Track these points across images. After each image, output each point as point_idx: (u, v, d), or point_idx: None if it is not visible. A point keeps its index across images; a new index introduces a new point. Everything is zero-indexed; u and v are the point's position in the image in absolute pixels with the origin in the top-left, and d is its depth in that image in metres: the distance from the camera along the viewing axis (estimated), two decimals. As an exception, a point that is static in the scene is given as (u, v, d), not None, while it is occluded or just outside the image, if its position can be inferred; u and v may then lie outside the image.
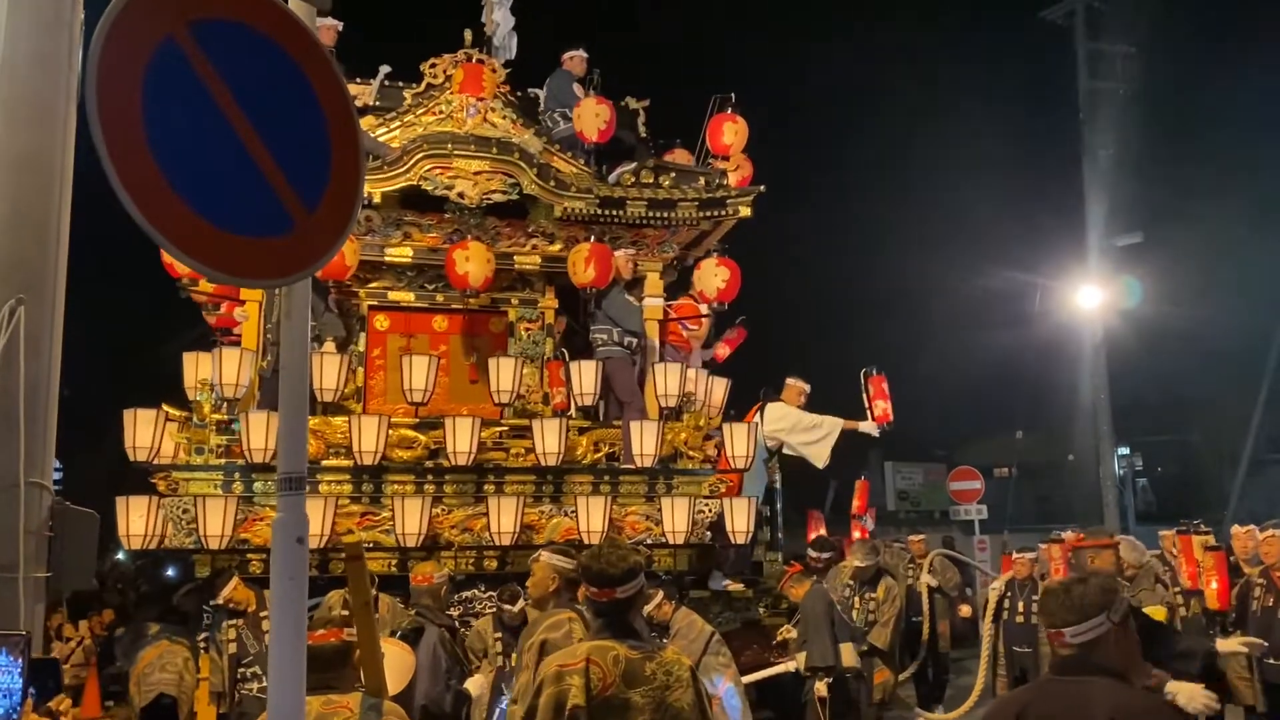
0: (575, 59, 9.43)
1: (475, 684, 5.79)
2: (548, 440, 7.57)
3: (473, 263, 7.91)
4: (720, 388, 8.69)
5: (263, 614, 6.63)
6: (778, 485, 9.74)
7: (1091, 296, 19.87)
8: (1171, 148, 22.83)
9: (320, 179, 2.29)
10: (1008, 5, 25.32)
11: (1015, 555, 9.34)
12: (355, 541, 3.21)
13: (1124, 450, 23.89)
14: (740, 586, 8.08)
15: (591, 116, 8.55)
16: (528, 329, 8.57)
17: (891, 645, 8.05)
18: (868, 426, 9.35)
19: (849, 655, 7.48)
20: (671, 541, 7.51)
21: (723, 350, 9.99)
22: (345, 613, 3.22)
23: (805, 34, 27.20)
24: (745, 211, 8.57)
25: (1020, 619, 8.84)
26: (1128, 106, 20.68)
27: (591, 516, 7.41)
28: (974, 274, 23.12)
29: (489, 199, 8.00)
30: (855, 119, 26.39)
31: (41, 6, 2.88)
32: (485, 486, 7.62)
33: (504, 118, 8.36)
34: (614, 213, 8.36)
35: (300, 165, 2.25)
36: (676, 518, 7.50)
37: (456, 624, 6.58)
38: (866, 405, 9.42)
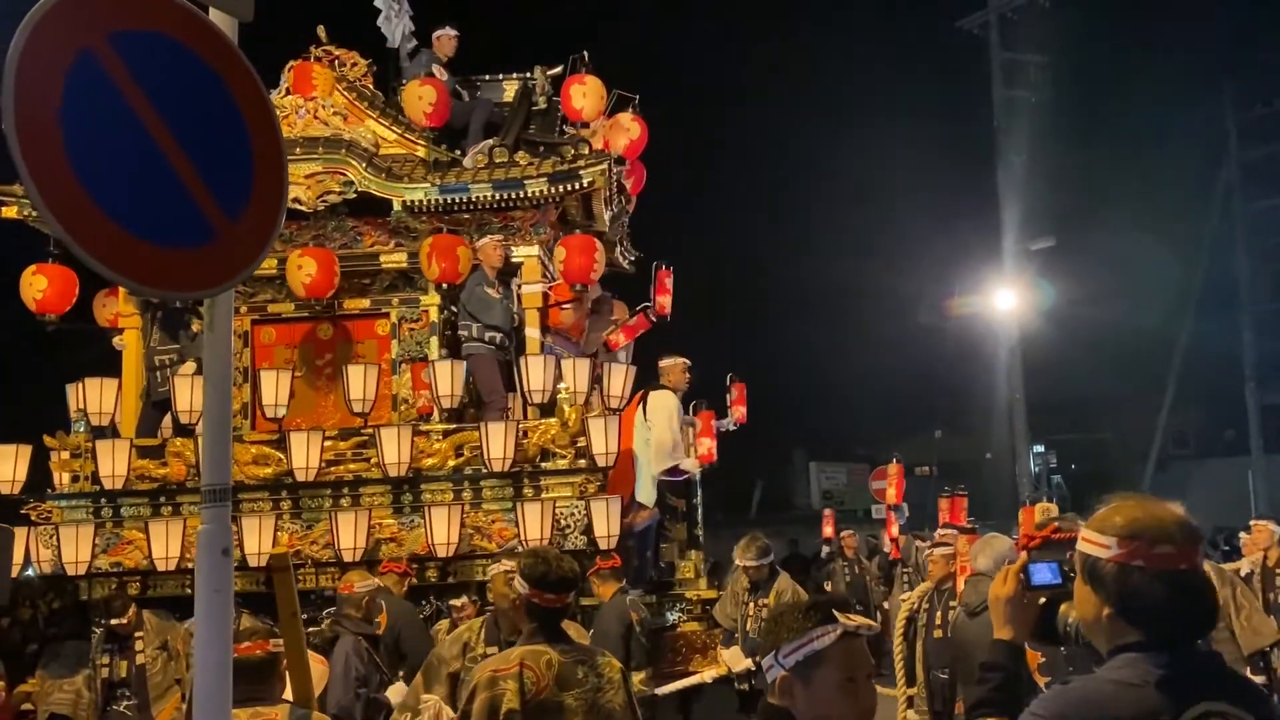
0: (443, 39, 8.90)
1: (396, 692, 5.75)
2: (387, 450, 7.32)
3: (289, 273, 7.74)
4: (619, 376, 8.14)
5: (137, 635, 6.82)
6: (696, 478, 9.27)
7: (1007, 299, 20.40)
8: (1082, 155, 23.57)
9: (243, 189, 2.29)
10: (925, 14, 25.91)
11: (929, 552, 7.87)
12: (282, 552, 3.19)
13: (1039, 448, 24.56)
14: (639, 593, 7.53)
15: (414, 100, 8.11)
16: (411, 329, 8.23)
17: None
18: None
19: (742, 660, 7.06)
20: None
21: (617, 338, 9.35)
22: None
23: (720, 38, 27.48)
24: (599, 181, 7.90)
25: (938, 633, 6.78)
26: (1040, 115, 21.28)
27: (437, 527, 7.12)
28: (893, 277, 23.60)
29: (326, 201, 7.76)
30: (773, 122, 26.75)
31: (-50, 11, 2.82)
32: (341, 500, 7.46)
33: (337, 114, 8.11)
34: (458, 200, 7.93)
35: (222, 175, 2.24)
36: (530, 524, 7.06)
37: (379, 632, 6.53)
38: (728, 406, 9.62)
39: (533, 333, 8.12)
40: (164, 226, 2.12)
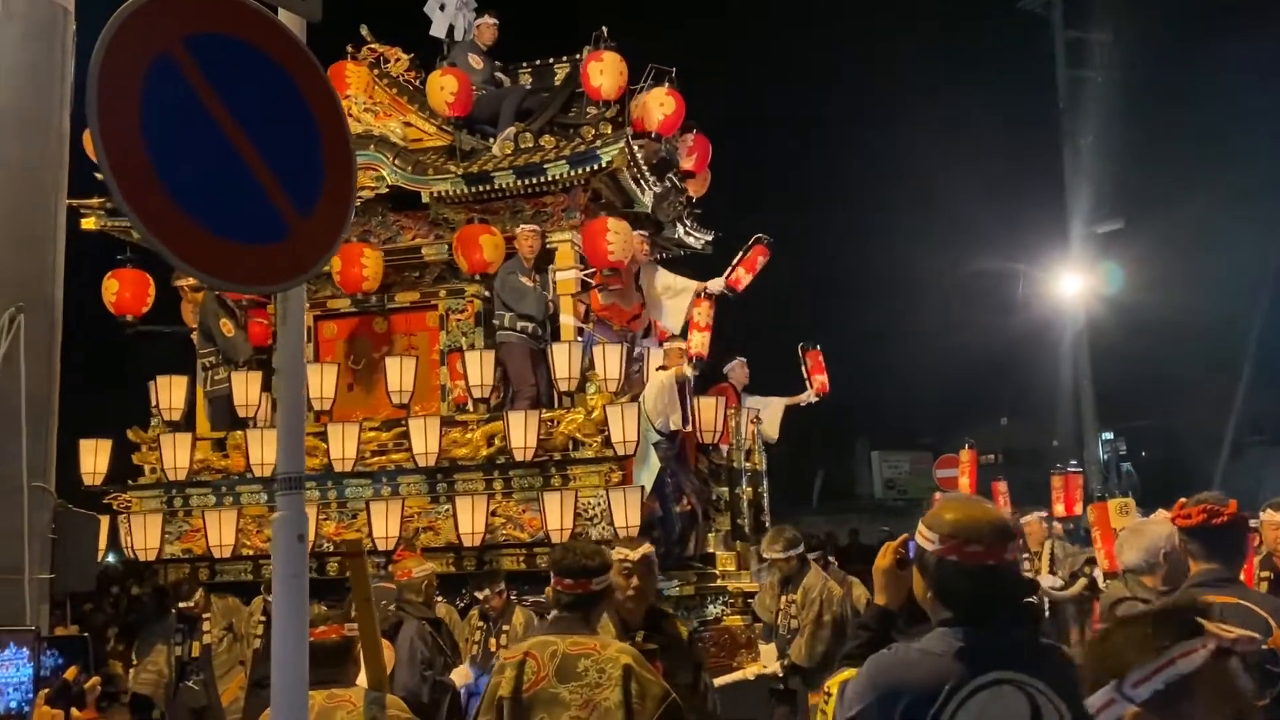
0: (482, 27, 8.89)
1: (460, 675, 5.84)
2: (416, 440, 7.46)
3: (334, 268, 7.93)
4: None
5: (205, 616, 7.26)
6: (762, 469, 9.26)
7: (1073, 283, 20.02)
8: (1151, 134, 22.97)
9: (314, 186, 2.35)
10: (987, -5, 25.43)
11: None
12: (355, 539, 3.27)
13: (1108, 435, 24.06)
14: (671, 583, 7.44)
15: (436, 90, 8.11)
16: (458, 320, 8.33)
17: (821, 659, 6.51)
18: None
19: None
20: (555, 540, 6.97)
21: (741, 276, 8.96)
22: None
23: (782, 21, 27.28)
24: (619, 161, 7.69)
25: None
26: (1107, 94, 20.81)
27: (462, 517, 7.19)
28: (956, 262, 23.26)
29: (360, 196, 7.82)
30: (835, 106, 26.50)
31: (33, 19, 2.93)
32: (382, 490, 7.65)
33: (368, 110, 8.24)
34: (484, 189, 7.94)
35: (294, 173, 2.30)
36: (551, 514, 7.09)
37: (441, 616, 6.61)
38: (805, 378, 9.49)
39: (568, 320, 8.06)
40: (240, 224, 2.19)
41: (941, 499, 2.41)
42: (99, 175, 7.01)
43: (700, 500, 8.18)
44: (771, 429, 9.37)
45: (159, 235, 2.06)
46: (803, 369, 9.63)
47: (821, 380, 9.61)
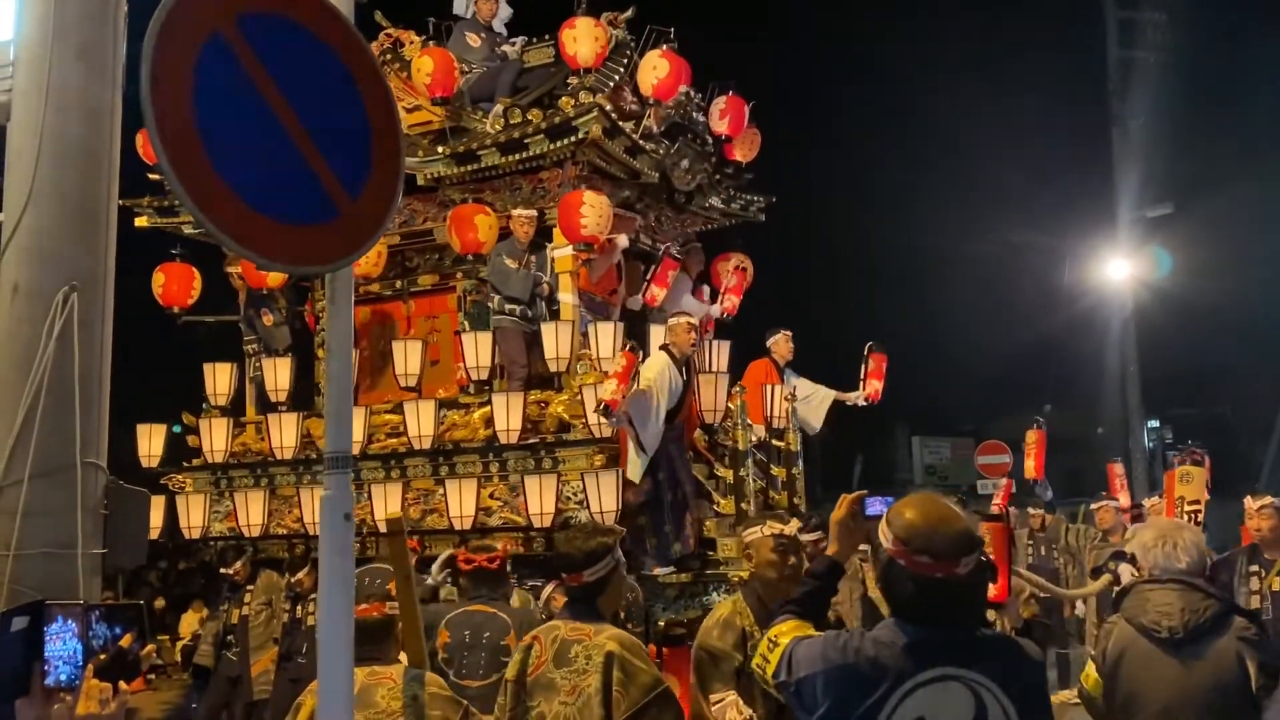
0: (480, 3, 8.80)
1: None
2: (411, 423, 7.52)
3: None
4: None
5: (248, 588, 7.64)
6: (796, 450, 8.72)
7: (1121, 268, 19.70)
8: (1202, 118, 22.53)
9: (362, 167, 2.35)
10: (1036, -26, 24.98)
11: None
12: (395, 516, 3.29)
13: (1154, 423, 23.70)
14: (668, 570, 7.21)
15: (416, 73, 8.06)
16: (474, 301, 8.31)
17: None
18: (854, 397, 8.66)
19: None
20: (539, 525, 6.93)
21: (877, 388, 8.89)
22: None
23: (825, 6, 27.00)
24: (596, 131, 7.35)
25: None
26: (1158, 76, 20.40)
27: (452, 500, 7.21)
28: (1002, 245, 22.94)
29: None
30: (882, 86, 26.20)
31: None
32: (391, 472, 7.73)
33: None
34: (475, 168, 7.83)
35: (343, 154, 2.31)
36: (532, 498, 7.00)
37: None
38: (862, 379, 8.98)
39: (566, 298, 7.86)
40: (289, 205, 2.20)
41: (910, 496, 2.36)
42: (153, 175, 7.17)
43: (693, 487, 7.70)
44: (816, 418, 8.94)
45: (210, 216, 2.07)
46: (862, 367, 9.04)
47: (877, 387, 9.04)
